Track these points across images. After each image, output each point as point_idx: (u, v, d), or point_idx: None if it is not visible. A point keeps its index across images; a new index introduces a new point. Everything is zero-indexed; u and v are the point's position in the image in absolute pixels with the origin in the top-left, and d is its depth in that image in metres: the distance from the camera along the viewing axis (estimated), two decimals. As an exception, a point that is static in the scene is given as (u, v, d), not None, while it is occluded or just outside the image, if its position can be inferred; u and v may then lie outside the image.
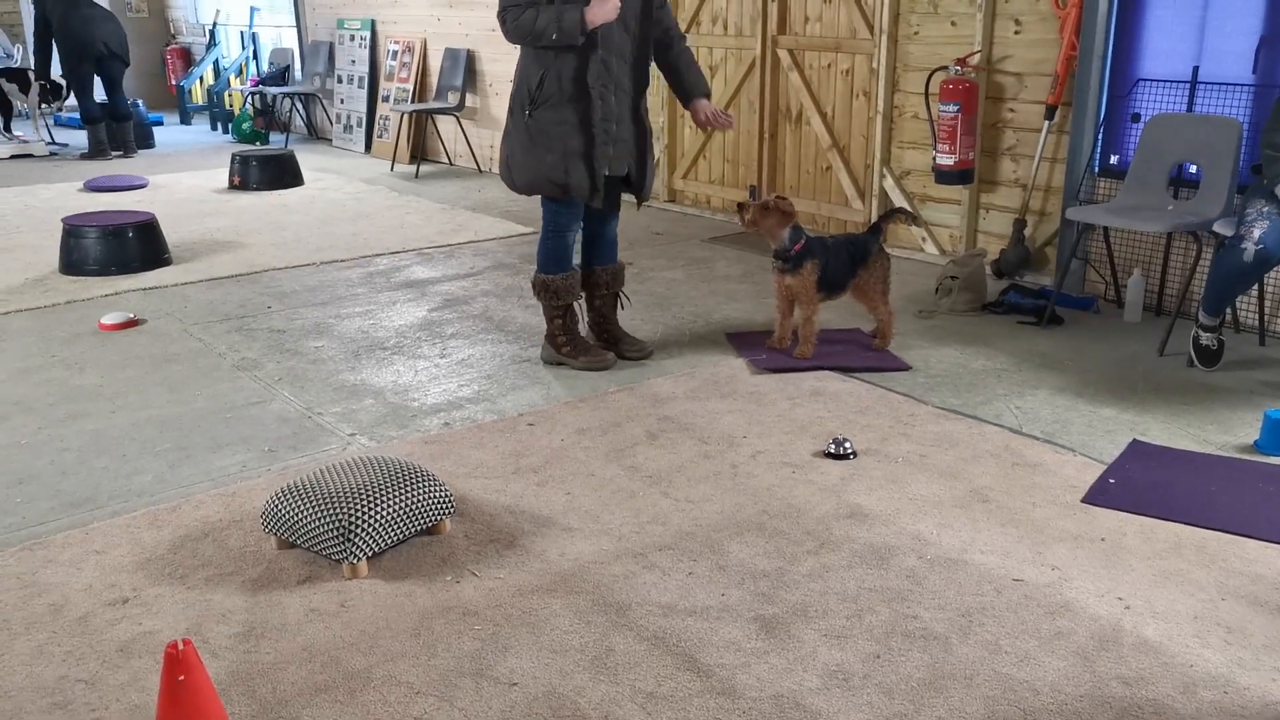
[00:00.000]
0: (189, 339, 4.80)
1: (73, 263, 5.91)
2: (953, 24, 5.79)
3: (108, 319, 4.99)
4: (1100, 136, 5.23)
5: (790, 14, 6.69)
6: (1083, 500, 3.21)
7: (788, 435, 3.70)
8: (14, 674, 2.46)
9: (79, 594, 2.78)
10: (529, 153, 4.10)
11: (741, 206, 4.32)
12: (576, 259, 4.41)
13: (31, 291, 5.56)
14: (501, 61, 8.86)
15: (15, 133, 10.70)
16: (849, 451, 3.51)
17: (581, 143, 4.05)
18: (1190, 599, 2.69)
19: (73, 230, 5.90)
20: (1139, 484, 3.29)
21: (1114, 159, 5.23)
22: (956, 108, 5.55)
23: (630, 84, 4.16)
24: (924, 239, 6.12)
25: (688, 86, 4.33)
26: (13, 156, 10.19)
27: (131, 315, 5.06)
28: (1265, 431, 3.54)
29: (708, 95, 4.37)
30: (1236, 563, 2.86)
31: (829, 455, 3.52)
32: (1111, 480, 3.32)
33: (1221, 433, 3.69)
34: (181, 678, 1.95)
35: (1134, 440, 3.62)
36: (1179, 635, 2.54)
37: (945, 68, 5.70)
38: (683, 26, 7.31)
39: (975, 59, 5.62)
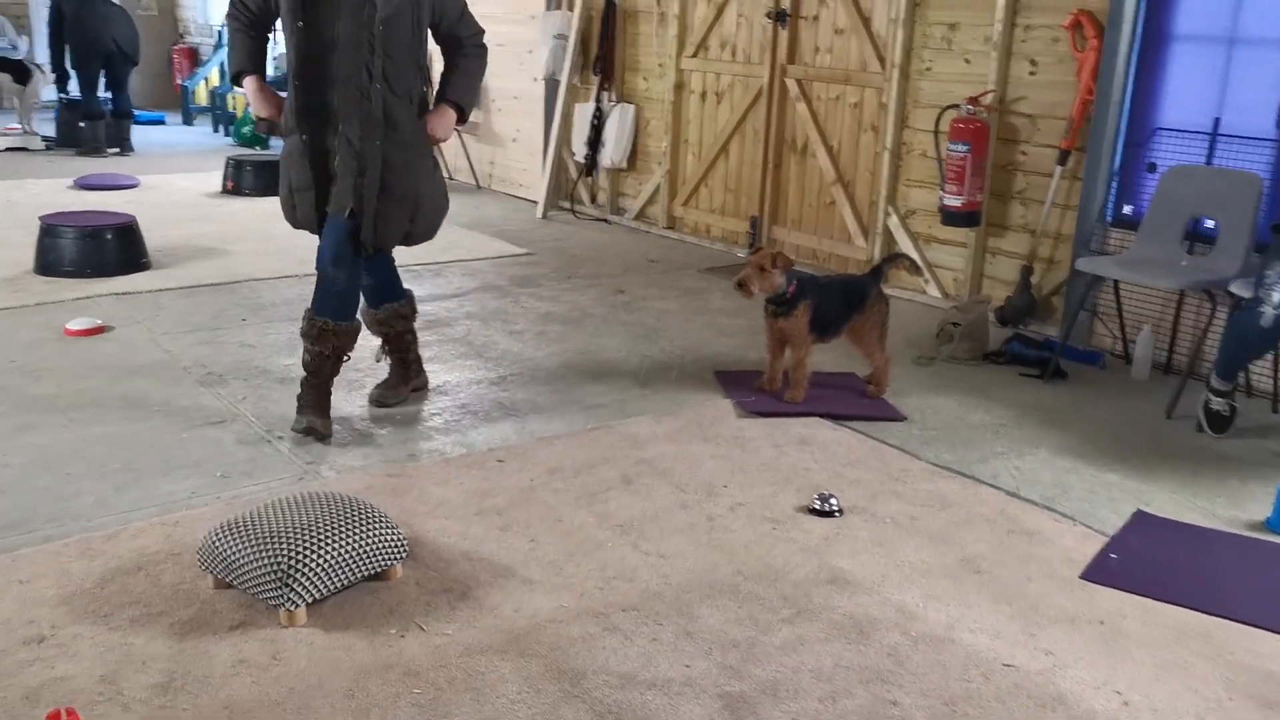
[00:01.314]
0: (155, 349, 4.60)
1: (48, 263, 5.72)
2: (966, 61, 5.61)
3: (74, 324, 4.79)
4: (1115, 185, 5.04)
5: (801, 43, 6.51)
6: (1081, 576, 3.00)
7: (771, 487, 3.49)
8: (-95, 720, 2.25)
9: (-8, 629, 2.57)
10: (280, 184, 3.80)
11: (742, 285, 4.06)
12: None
13: (2, 291, 5.36)
14: (506, 77, 8.69)
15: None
16: (834, 509, 3.31)
17: (302, 177, 3.65)
18: (1194, 696, 2.47)
19: (49, 230, 5.72)
20: (1142, 561, 3.08)
21: (1128, 209, 5.04)
22: (966, 148, 5.37)
23: (354, 111, 3.56)
24: (927, 282, 5.92)
25: (443, 89, 3.84)
26: (7, 149, 10.03)
27: (99, 322, 4.86)
28: (1278, 509, 3.33)
29: (460, 108, 3.84)
30: (1245, 656, 2.65)
31: (813, 511, 3.31)
32: (1113, 555, 3.11)
33: (1231, 506, 3.48)
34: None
35: (1138, 511, 3.41)
36: (1181, 738, 2.33)
37: (956, 106, 5.52)
38: (690, 51, 7.16)
39: (988, 98, 5.43)
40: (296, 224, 3.78)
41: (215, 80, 12.79)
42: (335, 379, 3.84)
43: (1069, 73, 5.16)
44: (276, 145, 10.82)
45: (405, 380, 4.15)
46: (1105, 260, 4.71)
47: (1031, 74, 5.34)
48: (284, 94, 3.71)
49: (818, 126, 6.46)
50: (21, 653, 2.48)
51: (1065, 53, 5.17)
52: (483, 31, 3.88)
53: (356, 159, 3.59)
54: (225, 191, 8.30)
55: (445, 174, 3.92)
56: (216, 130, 12.06)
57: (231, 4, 3.68)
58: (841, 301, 4.21)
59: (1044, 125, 5.32)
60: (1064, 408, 4.34)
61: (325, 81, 3.56)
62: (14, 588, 2.74)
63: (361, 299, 3.90)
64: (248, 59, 3.71)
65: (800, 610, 2.77)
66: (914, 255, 5.93)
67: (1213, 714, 2.41)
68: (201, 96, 13.00)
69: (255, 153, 9.54)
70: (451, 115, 3.82)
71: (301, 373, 3.81)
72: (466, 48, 3.83)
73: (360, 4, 3.50)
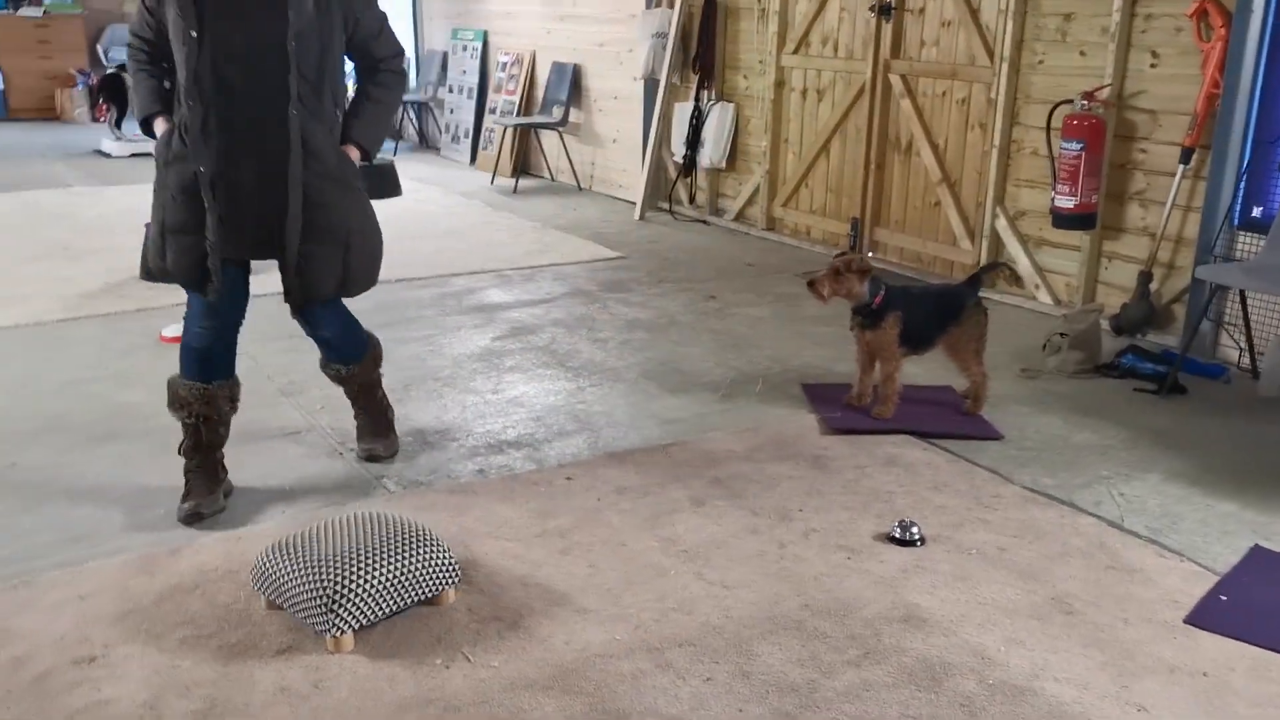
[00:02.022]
0: (242, 357, 4.59)
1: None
2: (1082, 54, 5.29)
3: (169, 330, 4.87)
4: (1243, 185, 4.66)
5: (905, 37, 6.25)
6: (1186, 620, 2.74)
7: (849, 511, 3.30)
8: (-50, 740, 2.25)
9: (47, 647, 2.57)
10: (150, 223, 3.22)
11: (813, 285, 3.89)
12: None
13: (105, 297, 5.50)
14: (607, 78, 8.62)
15: (124, 131, 10.87)
16: (916, 538, 3.10)
17: (185, 217, 3.07)
18: (1307, 766, 2.22)
19: (154, 236, 5.84)
20: (1257, 604, 2.80)
21: (1257, 211, 4.66)
22: (1080, 146, 5.05)
23: (267, 139, 3.05)
24: (1038, 287, 5.60)
25: (347, 125, 3.24)
26: (132, 155, 10.38)
27: (193, 328, 4.93)
28: None
29: (364, 150, 3.28)
30: (1370, 721, 2.37)
31: (892, 540, 3.11)
32: (1223, 597, 2.84)
33: (1364, 544, 3.16)
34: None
35: (1255, 546, 3.11)
36: (1289, 816, 2.08)
37: (1070, 101, 5.20)
38: (791, 48, 6.96)
39: (1104, 93, 5.10)
40: (162, 274, 3.19)
41: (331, 84, 13.03)
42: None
43: (1193, 65, 4.80)
44: (386, 147, 11.01)
45: (390, 424, 3.74)
46: (1230, 268, 4.36)
47: (1153, 66, 4.99)
48: None
49: (922, 124, 6.18)
50: (71, 673, 2.47)
51: (1189, 43, 4.81)
52: (402, 54, 3.40)
53: (274, 193, 3.08)
54: (331, 195, 8.41)
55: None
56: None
57: (130, 44, 3.20)
58: (934, 313, 3.98)
59: (1166, 121, 4.97)
60: (1181, 427, 4.03)
61: (228, 101, 3.01)
62: (74, 604, 2.75)
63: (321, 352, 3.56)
64: (155, 99, 3.16)
65: (868, 651, 2.59)
66: (1024, 259, 5.63)
67: (1328, 788, 2.16)
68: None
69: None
70: (355, 157, 3.27)
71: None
72: (382, 73, 3.32)
73: (269, 14, 2.98)
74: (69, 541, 3.08)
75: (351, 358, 3.56)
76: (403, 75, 3.41)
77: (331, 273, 3.25)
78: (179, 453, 3.31)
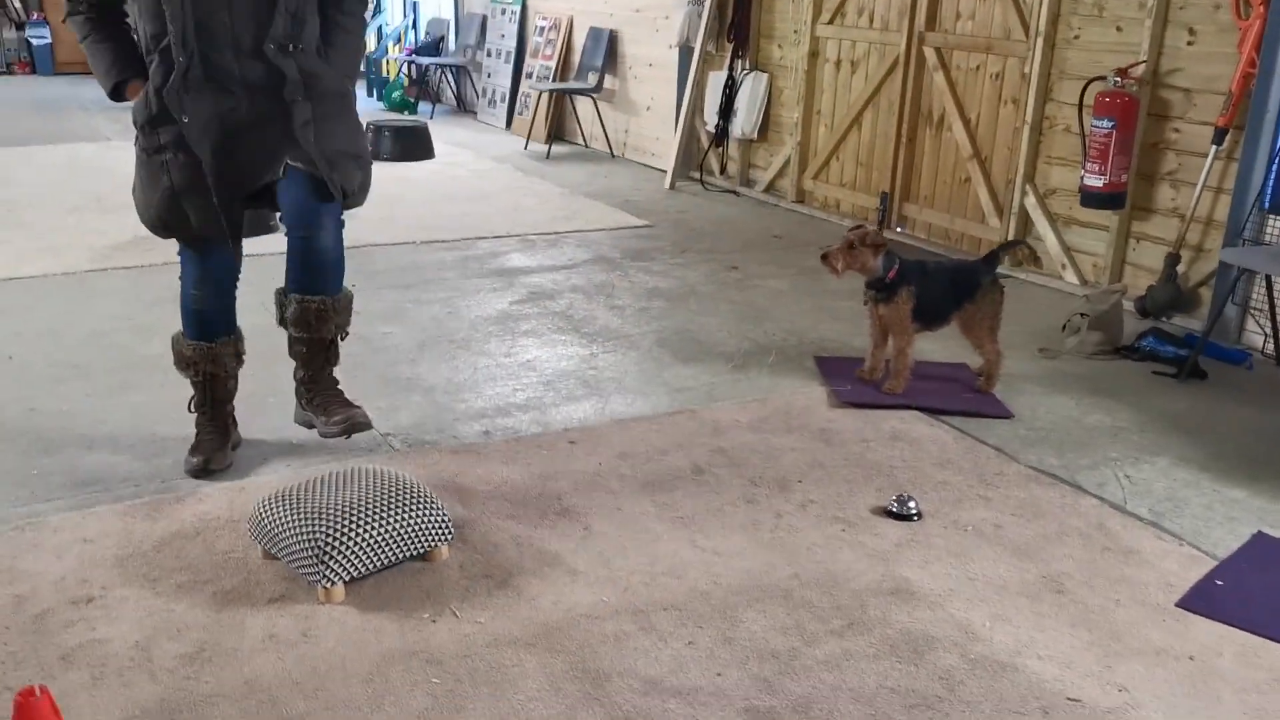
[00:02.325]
0: (262, 312, 4.66)
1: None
2: (1118, 29, 5.18)
3: (193, 285, 4.93)
4: (1275, 168, 4.56)
5: (941, 9, 6.16)
6: (1178, 604, 2.71)
7: (849, 484, 3.30)
8: (-51, 672, 2.32)
9: (49, 587, 2.64)
10: (142, 189, 3.11)
11: (826, 258, 3.87)
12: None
13: (134, 250, 5.58)
14: (643, 44, 8.57)
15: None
16: (913, 512, 3.10)
17: (189, 172, 2.98)
18: (1285, 754, 2.20)
19: (184, 191, 5.91)
20: (1252, 590, 2.77)
21: (1288, 194, 4.56)
22: (1111, 124, 4.96)
23: (262, 77, 2.98)
24: (1064, 266, 5.53)
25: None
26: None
27: (217, 283, 4.99)
28: None
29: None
30: (1356, 711, 2.34)
31: (889, 514, 3.11)
32: (1219, 582, 2.81)
33: (1371, 535, 3.11)
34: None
35: (1258, 533, 3.08)
36: (1261, 802, 2.06)
37: (1103, 78, 5.11)
38: (826, 17, 6.89)
39: (1139, 70, 5.01)
40: (187, 235, 3.12)
41: (372, 45, 13.09)
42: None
43: (1230, 43, 4.70)
44: (423, 110, 11.05)
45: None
46: (1256, 252, 4.28)
47: (1189, 44, 4.89)
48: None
49: (955, 98, 6.10)
50: (68, 612, 2.54)
51: (1227, 21, 4.70)
52: None
53: (275, 123, 3.00)
54: (365, 156, 8.46)
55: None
56: (370, 94, 12.35)
57: (72, 8, 3.07)
58: (949, 289, 3.95)
59: (1200, 100, 4.87)
60: (1197, 412, 3.97)
61: (210, 43, 2.91)
62: (78, 546, 2.82)
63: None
64: (121, 63, 3.03)
65: (852, 622, 2.59)
66: (1051, 238, 5.56)
67: (1304, 776, 2.14)
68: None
69: (398, 118, 9.71)
70: None
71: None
72: (347, 5, 3.17)
73: None
74: (79, 486, 3.15)
75: (335, 286, 3.27)
76: (365, 4, 3.29)
77: (353, 171, 3.16)
78: (189, 409, 3.36)
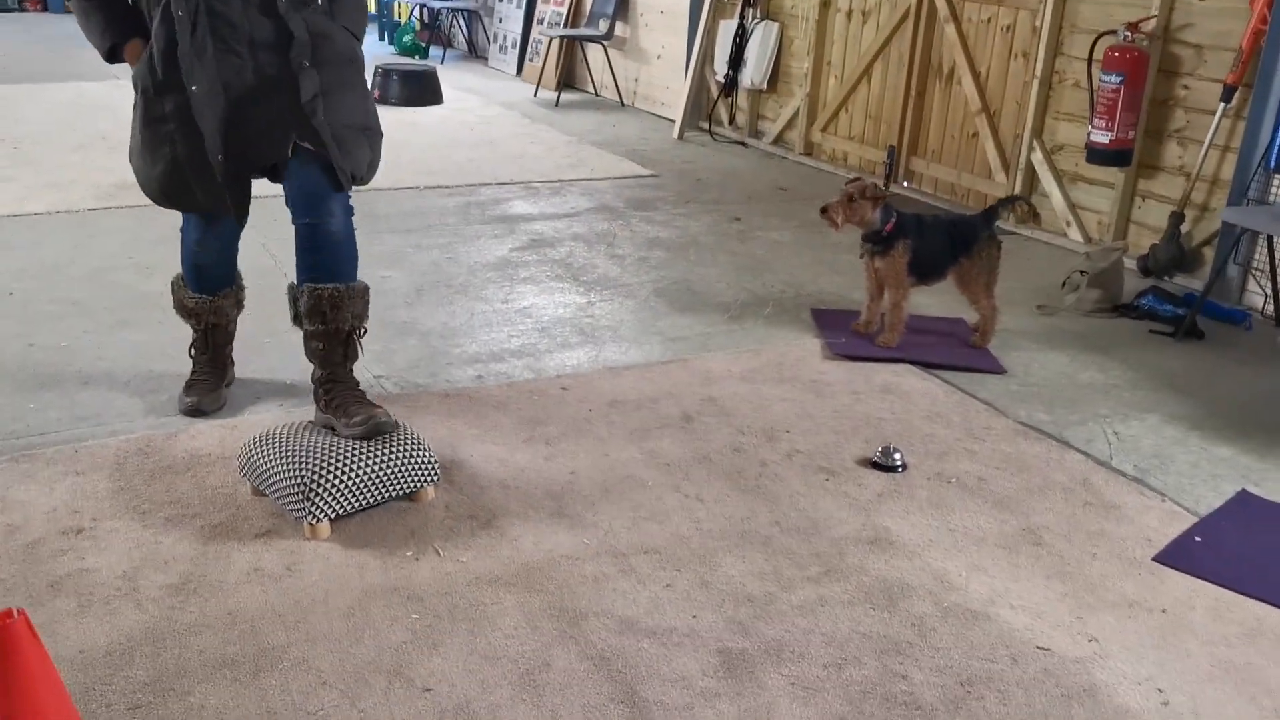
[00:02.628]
0: (263, 255, 4.71)
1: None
2: (1131, -17, 5.11)
3: (195, 226, 4.95)
4: (1282, 127, 4.52)
5: (954, -40, 6.08)
6: (1154, 558, 2.74)
7: (836, 435, 3.32)
8: (-60, 597, 2.38)
9: (40, 517, 2.69)
10: (142, 157, 3.01)
11: (826, 211, 3.85)
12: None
13: (138, 189, 5.58)
14: (655, -9, 8.49)
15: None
16: (898, 463, 3.12)
17: (195, 142, 2.85)
18: (1248, 704, 2.22)
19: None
20: (1230, 547, 2.79)
21: (1295, 154, 4.52)
22: (1119, 79, 4.91)
23: (271, 34, 2.83)
24: (1069, 223, 5.50)
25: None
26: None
27: (219, 224, 5.01)
28: (1407, 503, 2.96)
29: (350, 33, 3.01)
30: (1322, 667, 2.36)
31: (874, 465, 3.13)
32: (1198, 538, 2.83)
33: (1355, 495, 3.12)
34: None
35: (1242, 491, 3.09)
36: (1220, 751, 2.10)
37: (1114, 32, 5.04)
38: (837, -34, 6.79)
39: (1150, 25, 4.94)
40: (193, 207, 3.05)
41: (385, -11, 12.99)
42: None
43: (1243, -1, 4.64)
44: (435, 55, 10.98)
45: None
46: (1259, 212, 4.25)
47: (1201, -1, 4.83)
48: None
49: (965, 51, 6.04)
50: (58, 542, 2.59)
51: (1241, -24, 4.64)
52: None
53: (282, 90, 2.86)
54: (373, 100, 8.42)
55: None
56: (381, 38, 12.27)
57: None
58: (946, 243, 3.94)
59: (1211, 57, 4.81)
60: (1191, 371, 3.97)
61: (228, 2, 2.79)
62: (70, 479, 2.87)
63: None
64: (118, 23, 2.92)
65: (829, 569, 2.62)
66: (1057, 194, 5.52)
67: (1265, 728, 2.17)
68: (370, 3, 13.23)
69: (406, 62, 9.65)
70: None
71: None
72: None
73: None
74: (75, 420, 3.20)
75: (349, 273, 3.05)
76: None
77: (363, 151, 2.98)
78: (189, 353, 3.38)
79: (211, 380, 3.35)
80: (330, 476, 2.63)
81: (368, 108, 3.05)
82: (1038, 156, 5.61)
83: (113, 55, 2.97)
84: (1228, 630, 2.47)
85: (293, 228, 3.05)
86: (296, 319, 3.11)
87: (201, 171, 2.90)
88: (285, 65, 2.85)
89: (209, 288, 3.29)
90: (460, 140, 7.20)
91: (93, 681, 2.13)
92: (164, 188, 3.00)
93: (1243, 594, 2.60)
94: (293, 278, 3.13)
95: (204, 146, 2.85)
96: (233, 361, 3.47)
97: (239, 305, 3.43)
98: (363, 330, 3.10)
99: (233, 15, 2.80)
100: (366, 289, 3.08)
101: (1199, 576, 2.66)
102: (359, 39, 3.06)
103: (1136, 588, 2.61)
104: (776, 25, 7.36)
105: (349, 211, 3.06)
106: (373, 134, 3.06)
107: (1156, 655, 2.37)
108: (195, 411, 3.26)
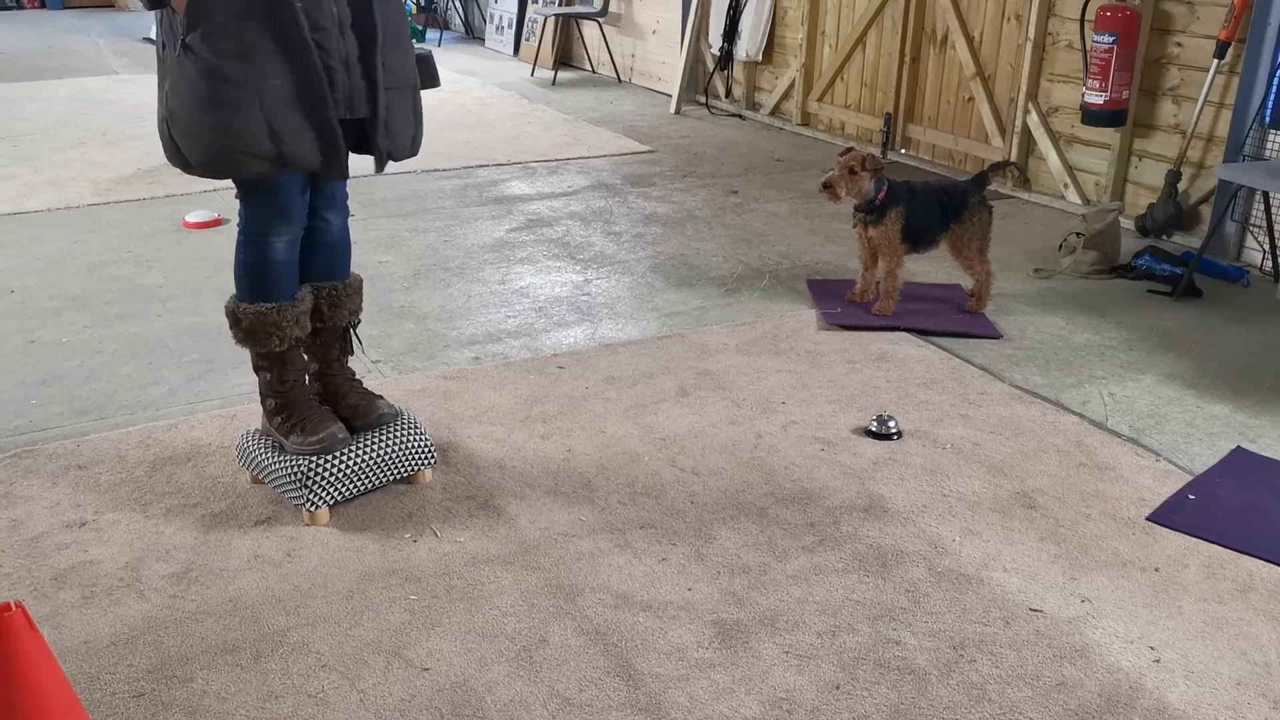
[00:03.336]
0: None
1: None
2: (1122, -59, 5.07)
3: (192, 216, 4.98)
4: (1277, 82, 4.49)
5: (945, -76, 6.03)
6: (1148, 518, 2.75)
7: (832, 405, 3.33)
8: (-53, 592, 2.42)
9: (44, 511, 2.72)
10: (205, 111, 2.39)
11: (828, 186, 3.83)
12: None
13: (136, 183, 5.62)
14: (648, -35, 8.45)
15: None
16: (893, 431, 3.13)
17: (292, 81, 2.42)
18: (1239, 659, 2.24)
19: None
20: (1224, 504, 2.80)
21: (1290, 109, 4.49)
22: (1112, 39, 4.88)
23: None
24: (1066, 185, 5.48)
25: None
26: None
27: (216, 215, 5.04)
28: (1401, 455, 2.96)
29: None
30: (1314, 620, 2.38)
31: (869, 433, 3.14)
32: (1191, 496, 2.84)
33: (1351, 449, 3.12)
34: None
35: (1237, 448, 3.10)
36: (1210, 704, 2.11)
37: (1105, -8, 5.01)
38: (828, -66, 6.75)
39: (1142, -17, 4.91)
40: (279, 161, 2.46)
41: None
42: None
43: (1235, -48, 4.59)
44: (431, 37, 10.93)
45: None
46: (1253, 168, 4.23)
47: (1193, -46, 4.79)
48: None
49: (959, 15, 6.00)
50: (61, 535, 2.62)
51: (1232, -71, 4.60)
52: None
53: (356, 29, 2.52)
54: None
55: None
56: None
57: None
58: (937, 210, 3.93)
59: (1204, 13, 4.77)
60: (1188, 330, 3.97)
61: None
62: (72, 472, 2.90)
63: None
64: None
65: (824, 539, 2.64)
66: (1054, 157, 5.50)
67: (1256, 679, 2.18)
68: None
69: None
70: None
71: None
72: None
73: None
74: (76, 414, 3.23)
75: (344, 270, 2.88)
76: None
77: (408, 126, 2.70)
78: (272, 395, 2.77)
79: (316, 409, 2.78)
80: (327, 464, 2.66)
81: (412, 63, 2.73)
82: (1033, 119, 5.59)
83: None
84: (1220, 587, 2.48)
85: None
86: None
87: (304, 113, 2.44)
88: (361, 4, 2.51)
89: (285, 290, 2.69)
90: (458, 122, 7.20)
91: (97, 671, 2.17)
92: (240, 143, 2.41)
93: (1236, 550, 2.61)
94: None
95: (302, 83, 2.42)
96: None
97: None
98: (357, 321, 2.95)
99: None
100: (361, 282, 2.94)
101: (1192, 534, 2.67)
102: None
103: (1130, 548, 2.62)
104: (769, -4, 7.33)
105: (347, 211, 2.89)
106: (419, 91, 2.76)
107: (1148, 614, 2.38)
108: (334, 443, 2.72)
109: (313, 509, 2.66)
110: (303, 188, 2.63)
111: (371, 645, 2.26)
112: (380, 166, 2.70)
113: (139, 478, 2.88)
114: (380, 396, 2.90)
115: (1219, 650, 2.27)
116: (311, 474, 2.64)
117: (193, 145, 2.44)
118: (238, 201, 2.64)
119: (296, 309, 2.70)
